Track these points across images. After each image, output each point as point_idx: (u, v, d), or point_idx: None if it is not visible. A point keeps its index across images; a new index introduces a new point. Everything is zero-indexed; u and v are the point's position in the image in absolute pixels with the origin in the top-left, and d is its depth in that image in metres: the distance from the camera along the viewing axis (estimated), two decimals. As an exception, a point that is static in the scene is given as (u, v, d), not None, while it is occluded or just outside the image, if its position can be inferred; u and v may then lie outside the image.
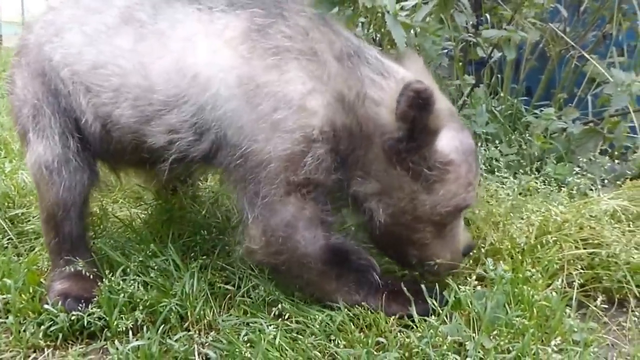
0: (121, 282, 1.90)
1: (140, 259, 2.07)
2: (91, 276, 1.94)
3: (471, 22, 2.79)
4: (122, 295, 1.85)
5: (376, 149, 1.73)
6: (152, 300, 1.85)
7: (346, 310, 1.77)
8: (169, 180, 2.32)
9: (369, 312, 1.78)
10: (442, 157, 1.72)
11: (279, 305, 1.81)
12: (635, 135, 2.76)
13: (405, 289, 1.74)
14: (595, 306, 1.82)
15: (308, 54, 1.74)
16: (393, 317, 1.77)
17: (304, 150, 1.68)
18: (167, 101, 1.78)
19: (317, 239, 1.74)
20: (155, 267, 2.02)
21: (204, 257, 2.11)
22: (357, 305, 1.77)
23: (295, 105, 1.68)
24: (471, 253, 1.99)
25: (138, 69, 1.81)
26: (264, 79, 1.70)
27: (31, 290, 1.95)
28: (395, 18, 2.08)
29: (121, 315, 1.81)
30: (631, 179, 2.55)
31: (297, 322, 1.78)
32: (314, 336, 1.71)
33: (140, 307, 1.82)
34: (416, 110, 1.60)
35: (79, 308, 1.81)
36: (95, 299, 1.87)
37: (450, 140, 1.73)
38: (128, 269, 2.02)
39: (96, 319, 1.82)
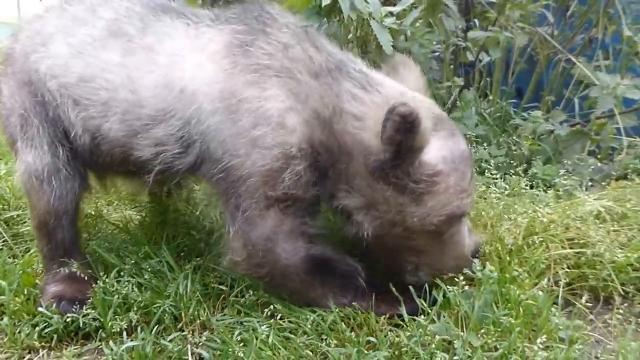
0: (115, 284, 1.92)
1: (134, 260, 2.10)
2: (85, 278, 1.97)
3: (460, 27, 2.83)
4: (117, 296, 1.88)
5: (357, 164, 1.73)
6: (146, 301, 1.88)
7: (337, 310, 1.80)
8: (155, 188, 2.36)
9: (360, 312, 1.81)
10: (429, 169, 1.69)
11: (272, 306, 1.84)
12: (621, 137, 2.81)
13: (393, 289, 1.77)
14: (581, 304, 1.86)
15: (286, 72, 1.76)
16: (383, 316, 1.80)
17: (282, 167, 1.70)
18: (155, 115, 1.80)
19: (297, 251, 1.76)
20: (150, 269, 2.05)
21: (197, 258, 2.13)
22: (346, 306, 1.80)
23: (274, 122, 1.70)
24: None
25: (127, 83, 1.82)
26: (245, 94, 1.72)
27: (26, 292, 1.97)
28: (381, 23, 2.12)
29: (116, 316, 1.84)
30: (617, 179, 2.60)
31: (289, 322, 1.82)
32: (306, 335, 1.74)
33: (135, 308, 1.85)
34: (402, 133, 1.58)
35: (73, 310, 1.84)
36: (89, 300, 1.89)
37: (437, 151, 1.71)
38: (122, 271, 2.05)
39: (91, 319, 1.85)
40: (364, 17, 2.00)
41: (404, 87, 1.84)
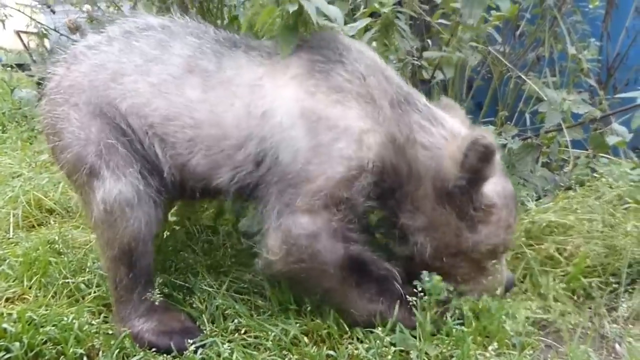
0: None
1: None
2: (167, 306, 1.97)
3: (415, 46, 2.93)
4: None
5: (427, 187, 1.88)
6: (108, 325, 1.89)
7: (298, 325, 1.85)
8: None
9: (322, 326, 1.87)
10: (487, 200, 1.88)
11: (235, 320, 1.89)
12: (571, 150, 2.94)
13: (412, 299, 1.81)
14: (532, 310, 1.96)
15: (365, 96, 1.87)
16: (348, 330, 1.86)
17: (355, 176, 1.80)
18: (237, 144, 1.86)
19: (337, 249, 1.81)
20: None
21: (163, 273, 2.16)
22: (379, 315, 1.84)
23: (355, 139, 1.81)
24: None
25: (210, 118, 1.87)
26: (328, 112, 1.82)
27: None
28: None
29: (77, 341, 1.83)
30: (567, 189, 2.73)
31: (255, 337, 1.86)
32: (268, 351, 1.79)
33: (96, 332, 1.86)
34: (483, 163, 1.76)
35: (190, 343, 1.79)
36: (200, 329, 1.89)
37: (494, 186, 1.89)
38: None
39: (51, 346, 1.80)
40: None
41: (459, 123, 2.01)
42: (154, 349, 1.83)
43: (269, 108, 1.85)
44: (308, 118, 1.82)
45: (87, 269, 2.25)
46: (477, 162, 1.77)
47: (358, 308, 1.86)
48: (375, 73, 1.94)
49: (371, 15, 2.64)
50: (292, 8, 1.91)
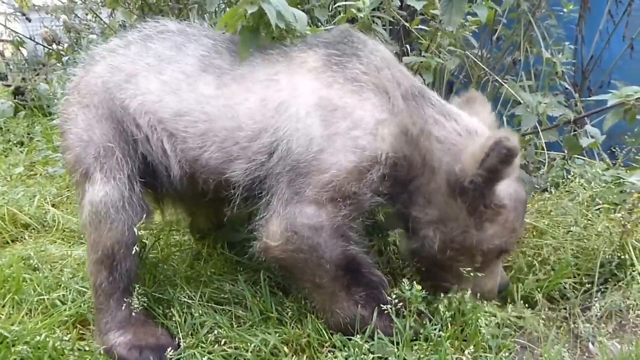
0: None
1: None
2: (146, 319, 1.98)
3: (395, 52, 2.97)
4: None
5: (440, 181, 1.91)
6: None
7: (277, 334, 1.87)
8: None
9: (302, 335, 1.89)
10: (497, 200, 1.90)
11: (216, 331, 1.90)
12: (547, 152, 2.99)
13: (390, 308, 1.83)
14: (508, 312, 1.99)
15: (380, 88, 1.91)
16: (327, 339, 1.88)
17: (367, 168, 1.82)
18: (251, 135, 1.89)
19: (337, 246, 1.83)
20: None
21: (142, 286, 2.16)
22: (359, 320, 1.86)
23: (370, 128, 1.84)
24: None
25: (224, 112, 1.90)
26: (344, 101, 1.86)
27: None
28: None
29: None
30: (543, 191, 2.78)
31: (235, 348, 1.87)
32: (247, 362, 1.81)
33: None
34: (503, 164, 1.78)
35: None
36: (178, 345, 1.89)
37: (507, 187, 1.92)
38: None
39: None
40: (293, 35, 2.10)
41: (477, 120, 2.03)
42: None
43: (284, 100, 1.89)
44: (324, 107, 1.86)
45: (63, 285, 2.24)
46: (497, 163, 1.78)
47: (343, 308, 1.87)
48: (390, 66, 1.99)
49: (352, 21, 2.67)
50: (252, 10, 1.95)
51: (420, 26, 3.03)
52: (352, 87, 1.89)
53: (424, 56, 2.92)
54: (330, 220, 1.81)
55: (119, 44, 2.10)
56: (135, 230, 1.90)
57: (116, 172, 1.90)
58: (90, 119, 1.97)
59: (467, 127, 1.95)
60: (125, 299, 1.93)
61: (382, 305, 1.83)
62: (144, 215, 1.94)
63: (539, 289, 2.13)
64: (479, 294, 1.97)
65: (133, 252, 1.92)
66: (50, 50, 4.74)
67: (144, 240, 2.11)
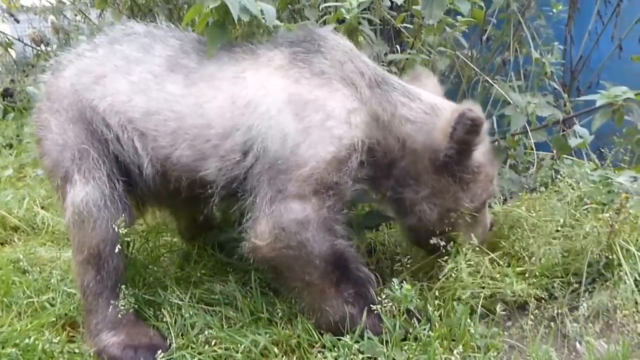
0: None
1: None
2: (136, 319, 1.99)
3: (385, 52, 2.98)
4: None
5: (423, 160, 2.01)
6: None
7: (268, 335, 1.88)
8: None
9: (292, 335, 1.89)
10: (475, 162, 2.05)
11: (206, 332, 1.91)
12: (537, 152, 3.02)
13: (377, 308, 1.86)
14: (497, 313, 2.00)
15: (347, 80, 1.97)
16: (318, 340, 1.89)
17: (346, 156, 1.87)
18: (222, 133, 1.90)
19: (325, 240, 1.85)
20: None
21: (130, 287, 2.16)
22: (349, 319, 1.87)
23: (344, 118, 1.89)
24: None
25: (193, 110, 1.93)
26: (315, 94, 1.91)
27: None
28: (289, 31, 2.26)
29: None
30: (532, 191, 2.80)
31: (225, 348, 1.88)
32: (238, 363, 1.81)
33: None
34: (471, 134, 1.91)
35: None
36: (169, 345, 1.89)
37: (480, 147, 2.03)
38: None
39: None
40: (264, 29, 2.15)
41: (432, 94, 2.16)
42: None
43: (253, 98, 1.92)
44: (295, 103, 1.89)
45: (52, 287, 2.24)
46: (464, 134, 1.90)
47: (333, 307, 1.89)
48: (352, 58, 2.04)
49: (342, 21, 2.68)
50: (214, 4, 1.97)
51: (407, 24, 3.05)
52: (320, 81, 1.94)
53: (409, 53, 2.93)
54: (316, 213, 1.84)
55: (87, 48, 2.13)
56: (116, 227, 1.90)
57: (94, 172, 1.92)
58: (63, 123, 1.99)
59: (430, 103, 2.06)
60: (113, 300, 1.93)
61: (370, 304, 1.85)
62: (127, 213, 1.96)
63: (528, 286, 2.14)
64: (479, 237, 2.13)
65: (117, 251, 1.93)
66: (39, 52, 4.71)
67: (128, 240, 2.10)
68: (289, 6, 3.02)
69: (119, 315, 1.93)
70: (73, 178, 1.94)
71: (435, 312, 1.88)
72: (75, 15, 4.11)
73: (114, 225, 1.90)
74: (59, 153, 1.98)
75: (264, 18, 2.16)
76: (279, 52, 2.03)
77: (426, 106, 2.04)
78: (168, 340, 1.94)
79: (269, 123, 1.87)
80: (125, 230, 1.94)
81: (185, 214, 2.50)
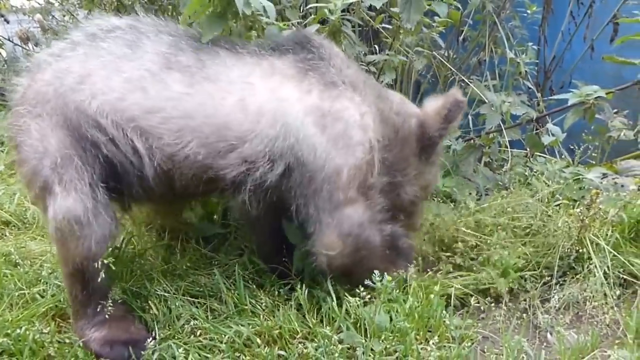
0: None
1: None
2: (124, 315, 2.01)
3: (364, 52, 3.04)
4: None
5: (410, 145, 2.25)
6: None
7: (251, 326, 1.94)
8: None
9: (274, 327, 1.95)
10: (439, 148, 2.36)
11: (192, 322, 1.96)
12: (510, 150, 3.12)
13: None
14: (471, 305, 2.09)
15: (351, 84, 2.07)
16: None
17: (371, 158, 2.01)
18: (239, 136, 1.90)
19: (378, 231, 2.04)
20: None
21: (120, 281, 2.20)
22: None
23: (358, 123, 1.99)
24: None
25: (203, 109, 1.88)
26: (332, 106, 1.98)
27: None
28: (280, 30, 2.31)
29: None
30: (506, 188, 2.90)
31: (210, 339, 1.93)
32: (222, 353, 1.87)
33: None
34: (459, 115, 2.24)
35: (130, 354, 1.86)
36: (150, 340, 1.89)
37: None
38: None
39: None
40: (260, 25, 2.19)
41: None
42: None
43: (266, 106, 1.91)
44: (315, 115, 1.94)
45: (42, 280, 2.26)
46: (456, 114, 2.22)
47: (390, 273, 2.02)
48: (349, 63, 2.16)
49: (323, 22, 2.72)
50: None
51: (385, 25, 3.11)
52: (335, 91, 2.00)
53: (387, 54, 2.99)
54: (367, 212, 1.99)
55: (64, 47, 1.97)
56: (107, 243, 1.88)
57: (77, 182, 1.81)
58: (44, 128, 1.85)
59: (398, 98, 2.32)
60: (100, 308, 1.93)
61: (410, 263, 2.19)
62: (112, 223, 1.89)
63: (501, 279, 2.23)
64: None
65: (103, 266, 1.87)
66: (28, 51, 4.67)
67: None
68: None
69: (105, 317, 1.93)
70: (53, 189, 1.82)
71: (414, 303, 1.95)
72: (64, 15, 4.07)
73: (100, 242, 1.84)
74: (38, 161, 1.84)
75: (262, 15, 2.19)
76: (285, 58, 2.04)
77: (396, 98, 2.30)
78: (153, 333, 1.98)
79: (294, 137, 1.90)
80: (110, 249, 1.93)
81: (171, 213, 2.52)
